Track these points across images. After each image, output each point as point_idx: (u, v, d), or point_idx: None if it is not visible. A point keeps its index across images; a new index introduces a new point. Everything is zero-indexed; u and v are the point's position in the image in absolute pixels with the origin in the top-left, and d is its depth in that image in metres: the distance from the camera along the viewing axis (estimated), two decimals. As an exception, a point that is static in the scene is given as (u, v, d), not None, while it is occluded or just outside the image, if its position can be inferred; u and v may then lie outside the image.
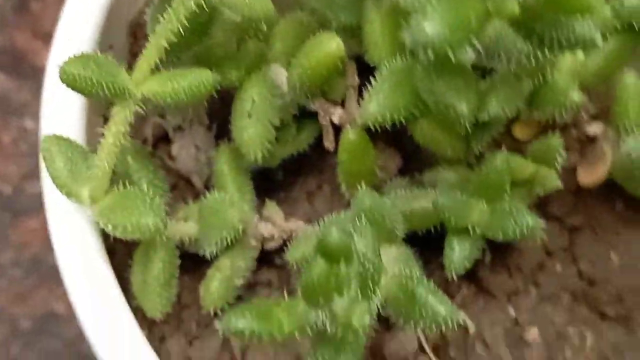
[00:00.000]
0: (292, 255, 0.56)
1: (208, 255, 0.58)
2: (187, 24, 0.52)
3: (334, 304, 0.43)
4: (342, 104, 0.59)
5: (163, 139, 0.67)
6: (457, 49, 0.40)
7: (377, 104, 0.53)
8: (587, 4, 0.38)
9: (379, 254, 0.47)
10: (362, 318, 0.43)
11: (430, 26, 0.39)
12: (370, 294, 0.45)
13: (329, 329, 0.43)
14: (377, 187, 0.60)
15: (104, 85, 0.51)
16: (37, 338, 0.85)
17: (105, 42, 0.65)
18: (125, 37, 0.68)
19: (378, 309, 0.49)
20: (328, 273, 0.42)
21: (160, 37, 0.52)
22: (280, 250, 0.60)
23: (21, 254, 0.88)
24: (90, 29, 0.63)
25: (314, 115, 0.60)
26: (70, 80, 0.51)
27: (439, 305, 0.50)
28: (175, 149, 0.65)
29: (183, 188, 0.65)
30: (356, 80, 0.58)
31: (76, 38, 0.62)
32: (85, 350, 0.84)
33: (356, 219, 0.49)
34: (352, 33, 0.58)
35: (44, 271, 0.89)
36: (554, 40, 0.40)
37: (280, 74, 0.58)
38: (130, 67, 0.54)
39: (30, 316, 0.86)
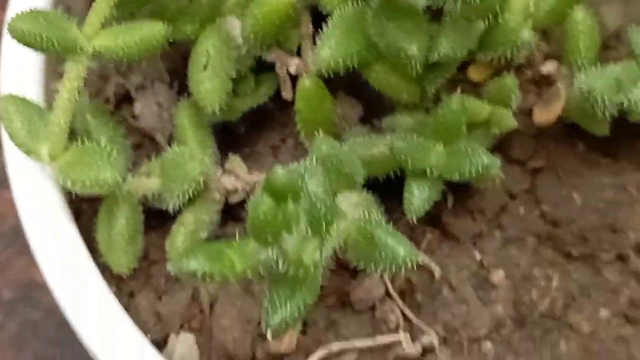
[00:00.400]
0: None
1: (171, 210, 0.58)
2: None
3: (284, 241, 0.43)
4: (299, 53, 0.59)
5: (125, 99, 0.67)
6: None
7: (330, 49, 0.54)
8: None
9: (332, 194, 0.47)
10: (313, 255, 0.43)
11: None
12: (322, 232, 0.45)
13: (280, 267, 0.43)
14: (338, 136, 0.60)
15: (54, 41, 0.51)
16: (18, 307, 0.85)
17: (61, 3, 0.65)
18: (83, -1, 0.68)
19: (338, 254, 0.50)
20: (275, 210, 0.42)
21: (110, -11, 0.52)
22: (246, 204, 0.60)
23: (0, 225, 0.89)
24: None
25: (272, 68, 0.60)
26: (20, 36, 0.51)
27: (398, 246, 0.50)
28: (137, 107, 0.65)
29: (147, 146, 0.65)
30: (310, 29, 0.58)
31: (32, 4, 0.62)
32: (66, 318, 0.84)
33: (309, 161, 0.49)
34: (306, -18, 0.58)
35: (24, 241, 0.89)
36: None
37: (235, 26, 0.58)
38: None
39: (11, 286, 0.86)
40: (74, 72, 0.53)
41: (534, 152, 0.62)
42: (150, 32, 0.53)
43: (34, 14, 0.51)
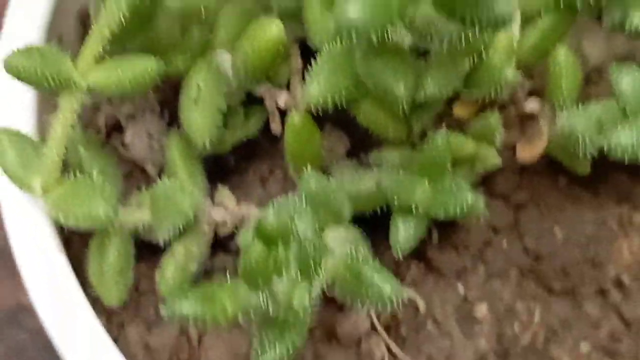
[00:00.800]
0: (243, 239, 0.56)
1: (161, 243, 0.59)
2: (129, 13, 0.52)
3: (274, 285, 0.44)
4: (288, 87, 0.60)
5: (116, 128, 0.67)
6: (381, 32, 0.41)
7: (318, 86, 0.54)
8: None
9: (321, 235, 0.48)
10: (302, 299, 0.44)
11: (352, 10, 0.40)
12: (311, 274, 0.46)
13: (271, 311, 0.44)
14: (325, 170, 0.61)
15: (49, 76, 0.52)
16: (4, 330, 0.85)
17: (54, 31, 0.66)
18: (74, 26, 0.69)
19: (325, 289, 0.51)
20: (266, 255, 0.43)
21: (102, 26, 0.53)
22: (235, 235, 0.61)
23: (-15, 248, 0.89)
24: (39, 19, 0.64)
25: (261, 100, 0.61)
26: (15, 72, 0.52)
27: (384, 284, 0.51)
28: (128, 137, 0.66)
29: (138, 176, 0.66)
30: (299, 63, 0.59)
31: (24, 29, 0.63)
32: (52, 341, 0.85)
33: (298, 201, 0.50)
34: (295, 16, 0.59)
35: (10, 263, 0.89)
36: (475, 19, 0.41)
37: (225, 60, 0.59)
38: (80, 57, 0.55)
39: (-3, 308, 0.86)
40: (68, 107, 0.54)
41: (517, 187, 0.63)
42: (143, 68, 0.53)
43: (29, 50, 0.52)
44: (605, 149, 0.51)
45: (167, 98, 0.67)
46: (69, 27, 0.68)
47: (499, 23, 0.40)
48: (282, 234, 0.43)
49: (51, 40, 0.64)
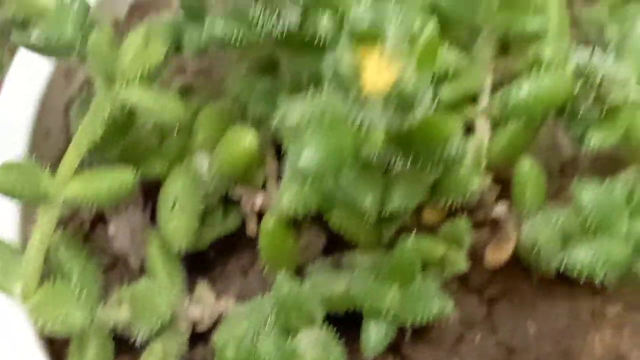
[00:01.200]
0: (219, 340, 0.58)
1: (139, 341, 0.61)
2: (106, 127, 0.54)
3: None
4: (265, 186, 0.61)
5: (101, 219, 0.69)
6: (335, 172, 0.43)
7: (290, 197, 0.56)
8: (445, 134, 0.41)
9: (289, 350, 0.49)
10: None
11: (305, 157, 0.41)
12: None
13: None
14: (301, 268, 0.62)
15: (27, 191, 0.54)
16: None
17: (41, 129, 0.68)
18: (61, 119, 0.71)
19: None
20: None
21: (80, 141, 0.55)
22: (214, 330, 0.62)
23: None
24: (25, 121, 0.66)
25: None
26: (-5, 187, 0.54)
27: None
28: (111, 230, 0.67)
29: (121, 267, 0.68)
30: (275, 166, 0.60)
31: (12, 132, 0.65)
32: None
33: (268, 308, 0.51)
34: (271, 121, 0.60)
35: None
36: (428, 160, 0.43)
37: (203, 163, 0.61)
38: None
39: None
40: (46, 218, 0.56)
41: (490, 281, 0.64)
42: (119, 180, 0.56)
43: (8, 166, 0.54)
44: (564, 263, 0.52)
45: (151, 189, 0.68)
46: (56, 122, 0.71)
47: (452, 164, 0.42)
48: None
49: (40, 139, 0.67)
